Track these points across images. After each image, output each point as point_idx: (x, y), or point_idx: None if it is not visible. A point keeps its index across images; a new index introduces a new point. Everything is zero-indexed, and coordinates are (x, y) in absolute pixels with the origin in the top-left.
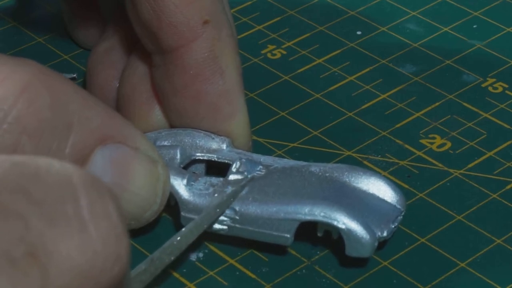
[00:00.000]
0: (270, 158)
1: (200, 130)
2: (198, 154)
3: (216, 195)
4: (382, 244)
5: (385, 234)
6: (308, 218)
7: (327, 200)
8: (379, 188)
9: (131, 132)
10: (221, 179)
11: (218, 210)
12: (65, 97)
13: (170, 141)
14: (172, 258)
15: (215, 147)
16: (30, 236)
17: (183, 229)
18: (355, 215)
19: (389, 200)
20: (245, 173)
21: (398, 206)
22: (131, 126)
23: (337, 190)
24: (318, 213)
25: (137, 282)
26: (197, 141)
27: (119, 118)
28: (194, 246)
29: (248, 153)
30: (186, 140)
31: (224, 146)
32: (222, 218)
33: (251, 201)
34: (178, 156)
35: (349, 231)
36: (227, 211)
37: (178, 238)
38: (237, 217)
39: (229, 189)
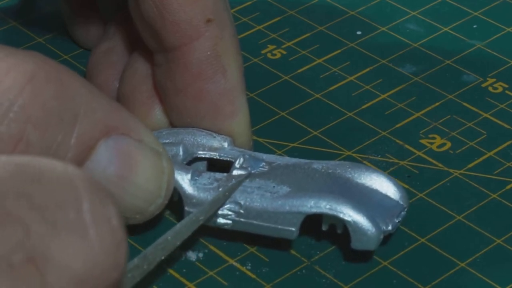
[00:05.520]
0: (272, 156)
1: (201, 129)
2: (200, 152)
3: (220, 189)
4: (384, 240)
5: (390, 228)
6: (314, 210)
7: (333, 193)
8: (382, 185)
9: (136, 124)
10: (225, 174)
11: (213, 205)
12: (71, 88)
13: (171, 140)
14: (166, 253)
15: (216, 145)
16: (30, 242)
17: (177, 224)
18: (360, 208)
19: (392, 196)
20: (249, 169)
21: (401, 202)
22: (136, 119)
23: (341, 185)
24: (324, 205)
25: (129, 278)
26: (199, 140)
27: (123, 110)
28: (194, 246)
29: (250, 151)
30: (188, 139)
31: (225, 145)
32: (226, 212)
33: (256, 195)
34: (181, 153)
35: (355, 224)
36: (232, 205)
37: (172, 233)
38: (241, 211)
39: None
